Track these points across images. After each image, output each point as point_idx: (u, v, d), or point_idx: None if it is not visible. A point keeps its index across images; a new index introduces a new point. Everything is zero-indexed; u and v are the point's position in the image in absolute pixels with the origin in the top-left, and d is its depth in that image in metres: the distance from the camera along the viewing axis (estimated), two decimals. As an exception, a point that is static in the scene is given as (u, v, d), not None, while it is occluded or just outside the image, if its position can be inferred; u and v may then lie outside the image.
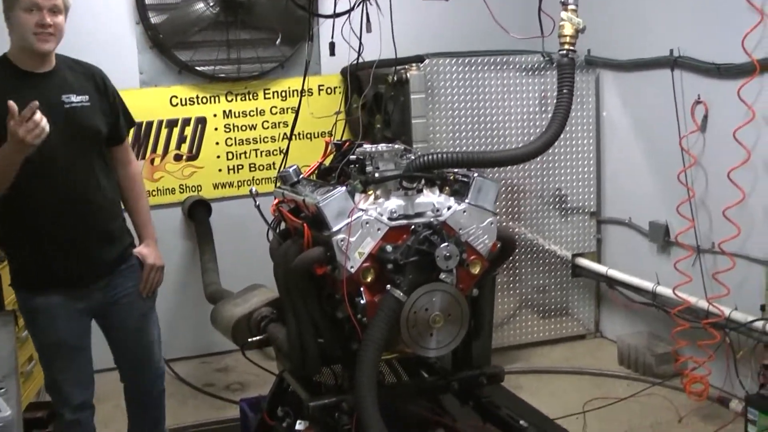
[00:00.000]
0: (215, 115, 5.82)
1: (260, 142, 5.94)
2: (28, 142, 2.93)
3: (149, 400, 3.72)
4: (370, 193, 3.00)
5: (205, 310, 4.45)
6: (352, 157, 3.21)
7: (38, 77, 3.22)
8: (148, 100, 5.60)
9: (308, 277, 2.96)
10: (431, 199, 3.03)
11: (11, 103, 2.90)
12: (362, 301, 2.89)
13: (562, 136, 3.19)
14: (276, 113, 5.95)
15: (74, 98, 3.26)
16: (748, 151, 4.43)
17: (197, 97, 5.76)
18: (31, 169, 3.10)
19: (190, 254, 5.78)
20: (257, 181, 5.90)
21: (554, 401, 4.92)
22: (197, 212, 5.73)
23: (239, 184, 5.92)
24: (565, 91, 3.14)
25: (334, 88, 5.98)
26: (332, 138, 3.68)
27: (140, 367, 3.64)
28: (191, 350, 5.88)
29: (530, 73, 5.54)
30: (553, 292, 5.86)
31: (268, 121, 5.94)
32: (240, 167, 5.93)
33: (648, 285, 5.19)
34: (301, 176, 3.31)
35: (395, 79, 5.21)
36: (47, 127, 2.97)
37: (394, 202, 2.97)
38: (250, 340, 3.53)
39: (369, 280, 2.89)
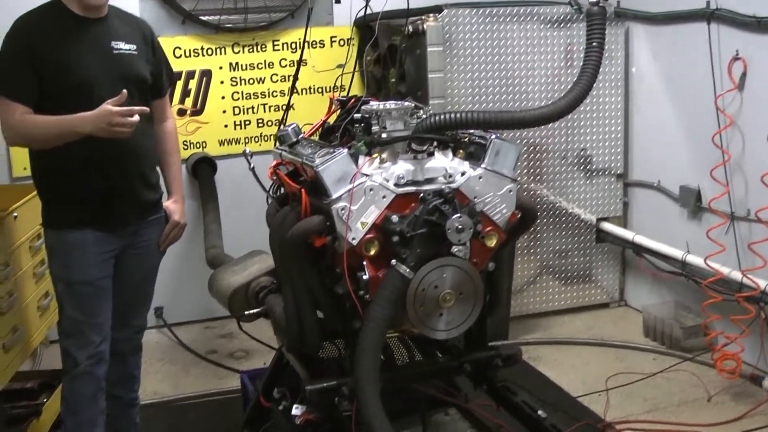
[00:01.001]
0: (221, 68, 5.61)
1: (269, 96, 5.73)
2: (114, 131, 3.06)
3: (129, 351, 3.68)
4: (375, 156, 2.78)
5: (208, 273, 4.25)
6: (357, 115, 2.96)
7: (91, 22, 3.32)
8: (150, 52, 5.35)
9: (306, 248, 2.75)
10: (443, 163, 2.82)
11: (125, 91, 3.10)
12: (364, 277, 2.70)
13: (588, 93, 2.98)
14: (285, 66, 5.72)
15: (123, 45, 3.37)
16: (791, 112, 4.20)
17: (202, 49, 5.55)
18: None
19: (194, 214, 5.54)
20: (265, 138, 5.69)
21: (575, 375, 4.73)
22: (201, 170, 5.56)
23: (246, 140, 5.71)
24: (594, 44, 2.92)
25: (347, 39, 5.69)
26: (338, 94, 3.41)
27: (132, 316, 3.64)
28: (194, 315, 5.71)
29: (556, 26, 5.32)
30: (575, 258, 5.67)
31: (277, 75, 5.72)
32: (247, 123, 5.71)
33: (677, 253, 4.98)
34: (300, 136, 3.05)
35: (411, 30, 4.98)
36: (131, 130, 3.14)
37: (402, 167, 2.76)
38: (246, 312, 3.30)
39: (372, 253, 2.69)
